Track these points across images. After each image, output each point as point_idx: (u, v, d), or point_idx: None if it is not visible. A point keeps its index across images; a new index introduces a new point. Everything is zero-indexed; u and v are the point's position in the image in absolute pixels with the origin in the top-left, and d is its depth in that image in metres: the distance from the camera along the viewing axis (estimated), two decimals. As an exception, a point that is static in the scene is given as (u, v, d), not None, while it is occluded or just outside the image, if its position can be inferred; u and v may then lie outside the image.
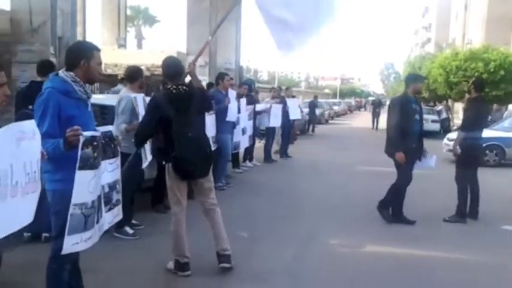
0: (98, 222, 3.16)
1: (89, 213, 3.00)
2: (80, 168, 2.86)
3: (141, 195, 6.17)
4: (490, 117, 7.36)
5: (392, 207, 6.55)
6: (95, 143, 2.96)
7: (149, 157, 5.59)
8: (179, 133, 4.18)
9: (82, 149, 2.85)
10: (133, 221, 5.61)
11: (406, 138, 6.30)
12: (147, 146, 5.54)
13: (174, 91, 4.25)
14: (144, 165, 5.37)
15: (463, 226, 6.28)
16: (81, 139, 2.84)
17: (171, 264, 4.39)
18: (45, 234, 4.69)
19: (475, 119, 6.80)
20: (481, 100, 7.24)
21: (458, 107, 29.40)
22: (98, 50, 3.33)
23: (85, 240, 3.02)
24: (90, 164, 2.93)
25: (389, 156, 6.54)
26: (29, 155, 2.57)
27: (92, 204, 3.02)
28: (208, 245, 4.67)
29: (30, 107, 3.76)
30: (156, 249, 4.98)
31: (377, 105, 28.33)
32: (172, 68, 4.43)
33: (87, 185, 2.95)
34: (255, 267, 4.66)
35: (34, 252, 4.47)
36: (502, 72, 23.62)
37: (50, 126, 3.02)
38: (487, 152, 12.62)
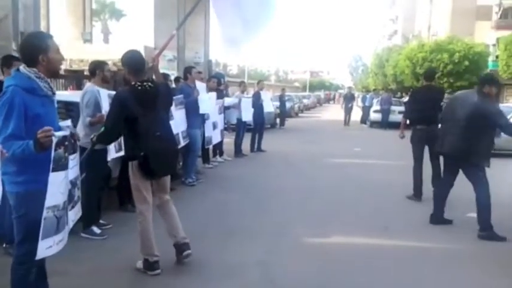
0: (67, 223, 3.10)
1: (61, 215, 2.94)
2: (53, 169, 2.78)
3: (108, 194, 6.07)
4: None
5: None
6: (66, 143, 2.88)
7: (116, 152, 5.49)
8: (147, 132, 4.08)
9: (55, 150, 2.75)
10: (101, 221, 5.51)
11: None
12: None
13: (140, 88, 4.12)
14: (109, 158, 5.26)
15: (428, 214, 6.38)
16: (54, 140, 2.74)
17: (140, 264, 4.33)
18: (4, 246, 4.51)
19: (415, 107, 7.58)
20: (426, 88, 7.64)
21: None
22: (51, 37, 3.14)
23: (57, 243, 2.97)
24: (62, 165, 2.86)
25: (473, 166, 5.66)
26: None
27: (63, 205, 2.97)
28: (171, 242, 4.61)
29: None
30: (124, 248, 4.90)
31: (349, 99, 24.62)
32: (135, 61, 4.24)
33: (59, 187, 2.89)
34: (226, 262, 4.65)
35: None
36: (467, 63, 24.24)
37: (16, 127, 2.85)
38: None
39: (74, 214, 3.38)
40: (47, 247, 2.87)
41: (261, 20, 5.25)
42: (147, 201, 4.32)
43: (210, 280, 4.25)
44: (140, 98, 4.09)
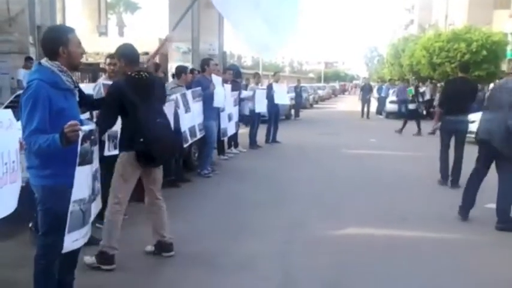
0: (91, 216, 3.14)
1: (86, 208, 2.97)
2: (80, 164, 2.79)
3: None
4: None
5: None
6: (92, 137, 2.90)
7: (109, 150, 5.45)
8: (147, 119, 4.06)
9: (81, 144, 2.76)
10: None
11: None
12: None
13: (136, 76, 4.13)
14: (107, 153, 5.27)
15: (447, 205, 6.33)
16: (81, 134, 2.74)
17: (149, 248, 4.47)
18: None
19: (448, 98, 7.72)
20: (458, 81, 7.80)
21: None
22: (73, 31, 3.16)
23: (83, 236, 3.01)
24: (88, 159, 2.88)
25: None
26: (6, 144, 2.51)
27: (88, 198, 2.99)
28: (187, 234, 4.63)
29: None
30: (138, 238, 4.94)
31: (367, 90, 23.58)
32: (130, 53, 4.27)
33: (85, 180, 2.92)
34: (241, 254, 4.66)
35: (22, 247, 4.42)
36: (484, 53, 23.81)
37: (40, 121, 2.84)
38: None
39: (96, 207, 3.41)
40: (73, 240, 2.90)
41: (285, 18, 5.21)
42: (128, 194, 4.30)
43: (225, 271, 4.26)
44: (137, 87, 4.09)
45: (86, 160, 2.85)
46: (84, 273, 3.94)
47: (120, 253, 4.26)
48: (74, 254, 3.30)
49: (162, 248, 4.49)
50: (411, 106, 16.21)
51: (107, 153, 5.26)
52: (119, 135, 4.92)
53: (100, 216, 5.00)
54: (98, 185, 3.41)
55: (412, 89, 17.11)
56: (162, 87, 4.66)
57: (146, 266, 4.32)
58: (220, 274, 4.21)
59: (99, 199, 3.48)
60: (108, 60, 5.56)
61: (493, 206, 5.70)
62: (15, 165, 2.60)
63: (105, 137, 5.18)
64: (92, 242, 4.46)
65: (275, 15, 5.15)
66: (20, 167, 3.10)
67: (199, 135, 7.69)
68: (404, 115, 16.49)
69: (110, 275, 4.11)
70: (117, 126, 5.52)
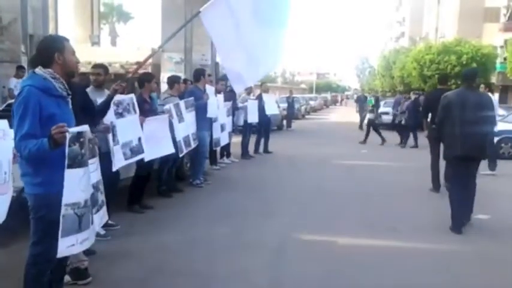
0: (92, 223, 3.09)
1: (83, 213, 2.92)
2: (69, 166, 2.78)
3: (116, 195, 6.08)
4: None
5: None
6: (82, 139, 2.87)
7: (121, 161, 5.47)
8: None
9: (69, 146, 2.76)
10: (109, 221, 5.52)
11: None
12: (118, 149, 5.40)
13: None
14: (114, 168, 5.26)
15: (437, 215, 6.37)
16: (68, 136, 2.74)
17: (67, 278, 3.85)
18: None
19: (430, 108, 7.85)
20: (439, 92, 7.45)
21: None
22: (68, 40, 3.21)
23: (81, 242, 2.95)
24: (78, 162, 2.85)
25: None
26: (0, 154, 2.50)
27: (84, 203, 2.94)
28: (178, 244, 4.61)
29: None
30: (130, 249, 4.93)
31: (362, 102, 22.98)
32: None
33: (77, 184, 2.87)
34: (233, 264, 4.65)
35: (6, 256, 4.39)
36: (474, 65, 24.09)
37: (31, 126, 2.87)
38: (503, 144, 12.54)
39: (99, 218, 3.37)
40: (68, 245, 2.85)
41: (269, 63, 5.30)
42: None
43: (216, 281, 4.25)
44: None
45: (76, 163, 2.82)
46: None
47: (111, 263, 4.24)
48: (62, 262, 3.27)
49: (76, 274, 4.02)
50: (370, 116, 16.68)
51: (114, 168, 5.24)
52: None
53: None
54: (101, 196, 3.39)
55: (372, 99, 17.61)
56: (82, 94, 4.36)
57: (137, 275, 4.30)
58: (211, 284, 4.20)
59: (104, 211, 3.46)
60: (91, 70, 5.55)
61: (484, 216, 5.75)
62: (6, 177, 2.58)
63: (111, 150, 5.18)
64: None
65: (259, 46, 5.21)
66: (12, 177, 3.07)
67: (193, 145, 7.69)
68: (398, 127, 16.69)
69: (101, 283, 4.08)
70: (126, 139, 5.52)
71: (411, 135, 15.21)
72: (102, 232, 5.22)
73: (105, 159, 5.03)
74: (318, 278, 4.40)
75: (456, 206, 5.81)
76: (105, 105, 4.59)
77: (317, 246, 5.33)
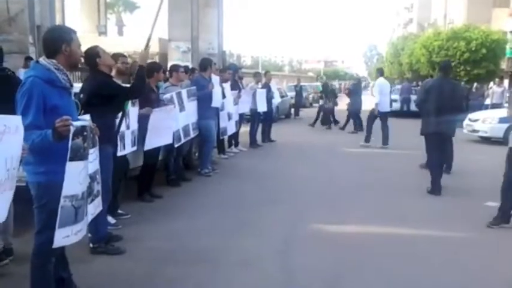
0: (86, 214, 3.13)
1: (79, 205, 2.97)
2: (71, 159, 2.81)
3: (126, 184, 6.13)
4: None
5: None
6: (85, 133, 2.90)
7: (129, 148, 5.52)
8: None
9: (72, 139, 2.78)
10: (119, 211, 5.58)
11: None
12: (129, 134, 5.46)
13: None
14: (120, 153, 5.30)
15: (447, 203, 6.36)
16: (72, 129, 2.77)
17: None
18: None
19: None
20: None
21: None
22: (75, 32, 3.24)
23: (75, 233, 2.99)
24: (80, 155, 2.89)
25: None
26: (10, 150, 2.51)
27: (81, 195, 2.99)
28: (188, 233, 4.64)
29: None
30: (140, 238, 4.97)
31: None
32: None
33: (77, 176, 2.91)
34: (243, 252, 4.68)
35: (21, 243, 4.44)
36: (484, 51, 23.81)
37: (35, 117, 2.90)
38: None
39: (94, 208, 3.41)
40: (63, 236, 2.90)
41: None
42: None
43: (225, 269, 4.28)
44: None
45: (78, 156, 2.86)
46: (82, 269, 3.96)
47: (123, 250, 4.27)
48: (61, 251, 3.33)
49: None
50: (321, 102, 17.83)
51: (119, 153, 5.29)
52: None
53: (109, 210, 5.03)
54: (97, 186, 3.43)
55: (319, 85, 18.05)
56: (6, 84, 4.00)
57: (148, 264, 4.34)
58: (221, 272, 4.22)
59: (98, 200, 3.50)
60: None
61: (493, 204, 5.72)
62: (14, 172, 2.60)
63: (121, 136, 5.24)
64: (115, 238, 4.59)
65: None
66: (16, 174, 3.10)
67: (192, 135, 7.70)
68: (407, 113, 16.69)
69: (112, 271, 4.13)
70: (133, 126, 5.61)
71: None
72: (113, 221, 5.29)
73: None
74: (328, 266, 4.41)
75: (434, 172, 7.05)
76: (141, 80, 4.51)
77: (327, 234, 5.34)
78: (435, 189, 6.91)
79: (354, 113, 15.73)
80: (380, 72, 13.01)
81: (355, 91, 16.38)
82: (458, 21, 34.48)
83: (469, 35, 24.63)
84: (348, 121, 16.26)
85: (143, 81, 4.57)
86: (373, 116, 12.33)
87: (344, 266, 4.41)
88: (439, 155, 7.21)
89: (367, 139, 12.38)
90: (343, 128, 16.10)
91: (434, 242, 5.09)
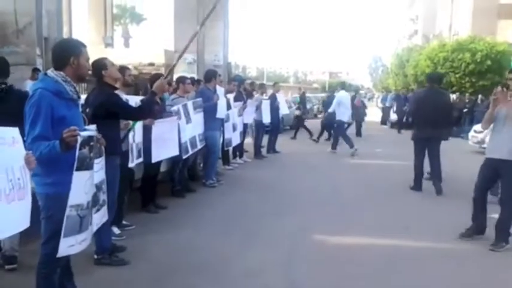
0: (91, 223, 3.16)
1: (84, 214, 3.00)
2: (77, 169, 2.85)
3: (131, 196, 6.16)
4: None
5: None
6: (92, 143, 2.95)
7: (135, 159, 5.58)
8: None
9: (80, 149, 2.83)
10: (124, 222, 5.60)
11: None
12: (135, 146, 5.53)
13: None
14: (131, 165, 5.35)
15: (451, 215, 6.34)
16: (79, 139, 2.82)
17: None
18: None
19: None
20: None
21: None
22: (85, 46, 3.30)
23: (80, 243, 3.02)
24: (86, 165, 2.93)
25: None
26: (10, 161, 2.55)
27: (87, 205, 3.02)
28: (192, 244, 4.64)
29: None
30: (144, 249, 4.99)
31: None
32: None
33: (83, 186, 2.95)
34: (247, 263, 4.69)
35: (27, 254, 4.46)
36: (489, 62, 23.85)
37: (43, 128, 2.95)
38: None
39: (99, 218, 3.43)
40: (68, 245, 2.92)
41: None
42: None
43: (230, 281, 4.29)
44: None
45: (84, 165, 2.90)
46: (85, 280, 3.98)
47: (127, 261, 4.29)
48: (67, 262, 3.36)
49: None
50: (297, 113, 17.89)
51: (130, 164, 5.33)
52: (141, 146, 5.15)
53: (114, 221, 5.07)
54: (103, 196, 3.46)
55: (298, 97, 18.43)
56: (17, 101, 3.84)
57: (151, 274, 4.35)
58: (224, 283, 4.24)
59: (104, 210, 3.53)
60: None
61: (497, 216, 5.70)
62: (21, 182, 2.64)
63: (130, 148, 5.30)
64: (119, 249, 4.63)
65: None
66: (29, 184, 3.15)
67: (199, 146, 7.73)
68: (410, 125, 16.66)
69: (115, 282, 4.15)
70: (139, 139, 5.68)
71: None
72: (118, 232, 5.31)
73: (123, 156, 5.12)
74: (332, 276, 4.41)
75: (418, 171, 8.01)
76: (149, 103, 4.37)
77: (331, 246, 5.34)
78: (416, 186, 8.00)
79: (327, 125, 15.70)
80: (341, 86, 14.68)
81: (329, 103, 16.41)
82: (464, 33, 34.50)
83: (474, 47, 24.67)
84: (322, 133, 16.40)
85: (152, 107, 4.59)
86: (342, 126, 13.32)
87: (348, 277, 4.40)
88: (423, 158, 7.98)
89: (334, 146, 13.24)
90: (317, 140, 16.25)
91: (438, 254, 5.08)
